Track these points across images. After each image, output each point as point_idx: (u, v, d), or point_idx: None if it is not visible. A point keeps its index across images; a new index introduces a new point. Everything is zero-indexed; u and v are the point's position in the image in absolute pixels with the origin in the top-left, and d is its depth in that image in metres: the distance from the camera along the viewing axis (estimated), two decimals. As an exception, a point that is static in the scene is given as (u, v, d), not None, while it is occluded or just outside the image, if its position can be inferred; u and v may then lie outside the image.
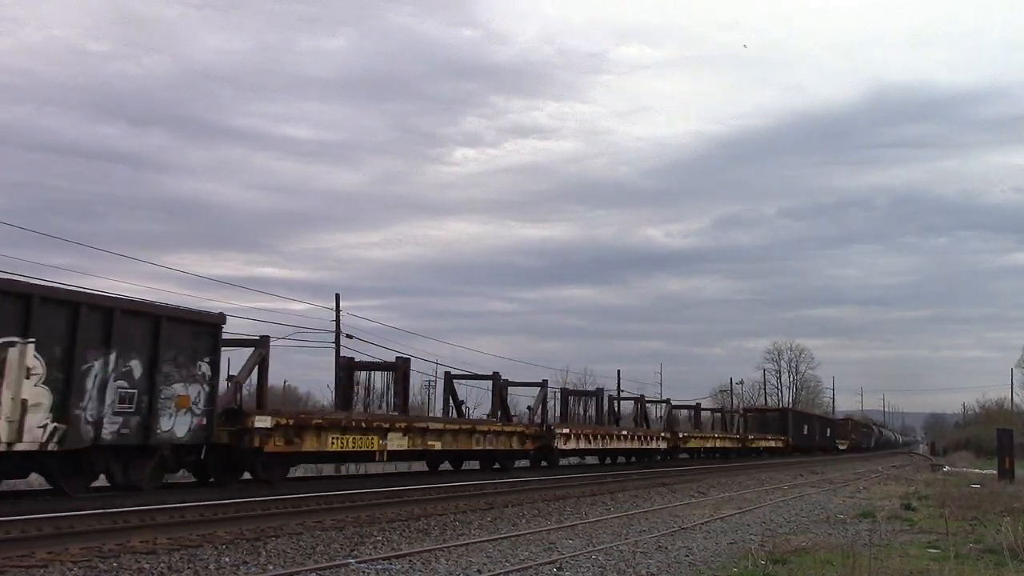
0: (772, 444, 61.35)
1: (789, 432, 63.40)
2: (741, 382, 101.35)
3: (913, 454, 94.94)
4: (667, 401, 48.12)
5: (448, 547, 11.88)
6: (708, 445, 49.35)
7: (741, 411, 66.55)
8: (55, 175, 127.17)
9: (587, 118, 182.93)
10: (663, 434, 42.12)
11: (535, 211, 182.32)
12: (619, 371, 65.62)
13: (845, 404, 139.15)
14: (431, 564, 10.52)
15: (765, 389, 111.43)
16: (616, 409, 43.83)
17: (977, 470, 42.13)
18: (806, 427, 69.55)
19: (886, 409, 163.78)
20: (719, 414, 58.18)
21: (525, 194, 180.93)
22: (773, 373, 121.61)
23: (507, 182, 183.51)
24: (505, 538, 12.99)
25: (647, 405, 44.51)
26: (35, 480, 21.36)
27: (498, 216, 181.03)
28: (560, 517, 16.43)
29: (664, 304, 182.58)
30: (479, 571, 10.13)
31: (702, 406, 54.35)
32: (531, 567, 10.45)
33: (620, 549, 12.17)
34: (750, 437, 56.24)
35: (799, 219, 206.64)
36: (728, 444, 52.65)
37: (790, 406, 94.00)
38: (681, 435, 44.19)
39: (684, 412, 51.15)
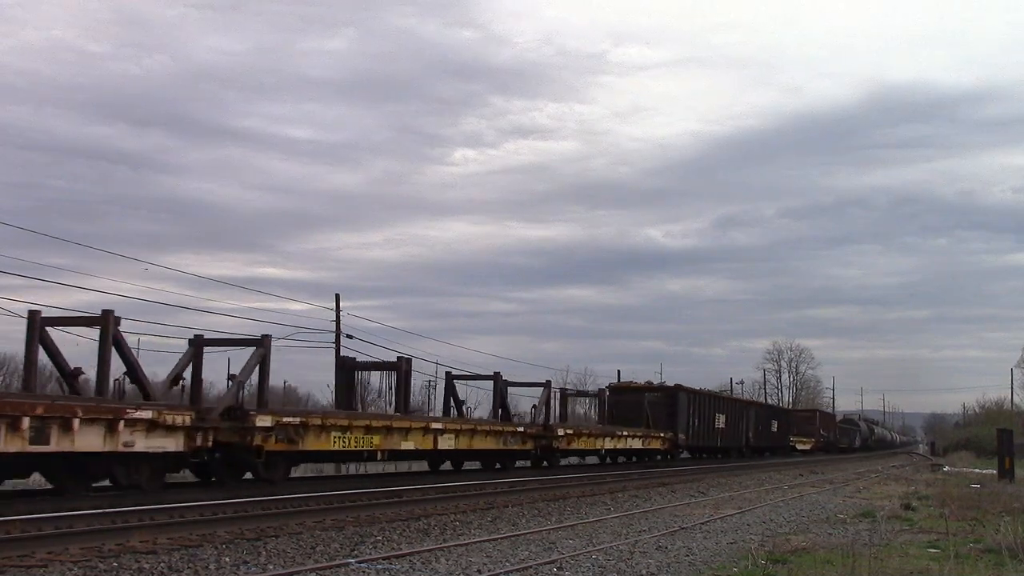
0: (636, 444, 36.43)
1: (680, 425, 40.35)
2: (741, 382, 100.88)
3: (913, 454, 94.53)
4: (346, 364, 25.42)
5: (448, 547, 11.88)
6: (401, 445, 22.06)
7: (588, 390, 44.10)
8: (55, 175, 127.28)
9: (587, 118, 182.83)
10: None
11: (535, 211, 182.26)
12: (619, 371, 65.45)
13: (846, 404, 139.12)
14: (431, 564, 10.53)
15: (765, 389, 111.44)
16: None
17: (977, 470, 42.13)
18: (721, 418, 46.33)
19: (886, 409, 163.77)
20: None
21: (525, 194, 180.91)
22: (773, 373, 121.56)
23: (507, 182, 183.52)
24: (505, 538, 12.99)
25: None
26: (35, 480, 21.37)
27: (498, 216, 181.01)
28: (560, 517, 16.43)
29: (664, 304, 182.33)
30: (479, 571, 10.13)
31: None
32: (531, 567, 10.45)
33: (620, 549, 12.18)
34: (564, 433, 30.14)
35: (799, 219, 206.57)
36: (490, 444, 26.36)
37: (684, 385, 50.56)
38: (278, 422, 18.14)
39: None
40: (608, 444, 34.38)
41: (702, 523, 15.99)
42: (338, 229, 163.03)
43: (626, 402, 39.81)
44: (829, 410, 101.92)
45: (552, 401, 32.45)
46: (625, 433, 35.85)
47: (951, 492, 23.73)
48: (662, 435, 39.33)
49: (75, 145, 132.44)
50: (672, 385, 42.95)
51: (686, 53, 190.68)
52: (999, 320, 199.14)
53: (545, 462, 30.47)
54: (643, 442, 37.61)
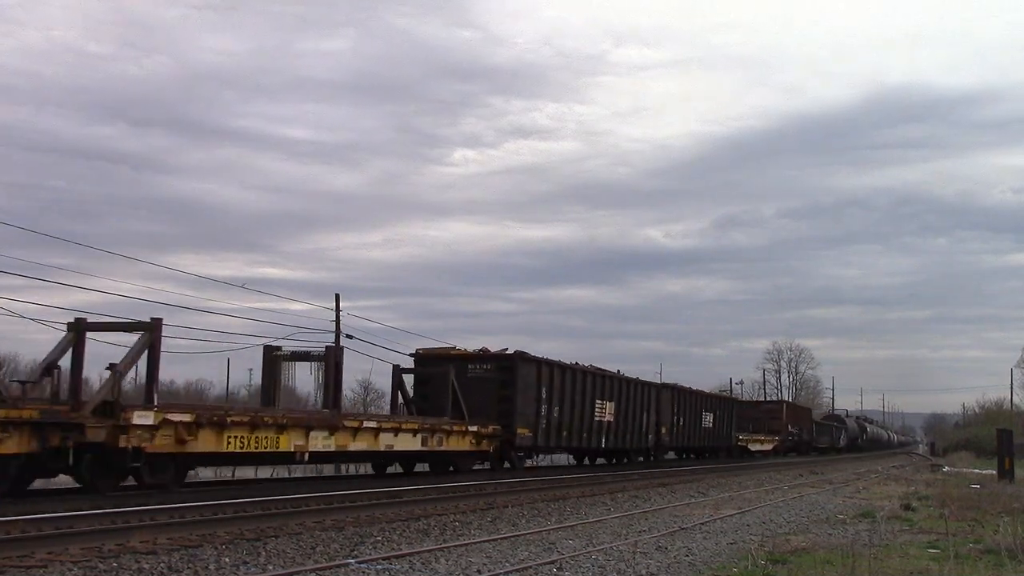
0: (403, 443, 22.29)
1: (521, 414, 26.73)
2: (741, 382, 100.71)
3: (912, 454, 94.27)
4: None
5: (448, 547, 11.88)
6: None
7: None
8: (55, 175, 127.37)
9: (586, 119, 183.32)
10: None
11: (535, 212, 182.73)
12: (618, 371, 65.07)
13: (846, 404, 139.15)
14: (431, 564, 10.52)
15: (765, 389, 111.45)
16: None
17: (977, 470, 42.11)
18: (607, 406, 32.32)
19: (886, 409, 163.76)
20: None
21: (525, 195, 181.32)
22: (773, 373, 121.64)
23: (507, 183, 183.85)
24: (505, 538, 12.99)
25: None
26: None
27: (498, 217, 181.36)
28: (560, 517, 16.43)
29: (664, 304, 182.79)
30: (479, 571, 10.13)
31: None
32: (531, 567, 10.45)
33: (620, 549, 12.17)
34: (158, 420, 15.98)
35: (799, 219, 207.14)
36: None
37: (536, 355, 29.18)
38: None
39: None
40: (318, 444, 19.48)
41: (702, 523, 15.99)
42: (338, 229, 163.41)
43: (439, 378, 26.03)
44: (809, 406, 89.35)
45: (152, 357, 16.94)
46: (370, 425, 21.01)
47: (951, 492, 23.71)
48: (477, 429, 24.88)
49: (75, 145, 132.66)
50: (510, 352, 27.32)
51: (686, 53, 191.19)
52: (999, 320, 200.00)
53: (137, 477, 16.51)
54: (426, 439, 22.72)
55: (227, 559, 10.36)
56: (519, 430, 26.81)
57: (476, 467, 26.98)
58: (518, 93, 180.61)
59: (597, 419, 31.86)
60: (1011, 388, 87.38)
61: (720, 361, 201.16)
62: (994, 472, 35.01)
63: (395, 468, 26.24)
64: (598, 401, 31.95)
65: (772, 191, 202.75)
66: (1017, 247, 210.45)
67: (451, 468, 25.94)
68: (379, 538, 12.68)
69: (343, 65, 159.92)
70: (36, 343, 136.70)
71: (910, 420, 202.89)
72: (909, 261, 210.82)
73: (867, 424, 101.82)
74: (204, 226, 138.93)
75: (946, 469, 44.66)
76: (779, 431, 58.63)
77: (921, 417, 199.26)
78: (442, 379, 25.84)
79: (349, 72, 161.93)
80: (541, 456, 32.96)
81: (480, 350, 28.26)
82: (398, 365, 26.53)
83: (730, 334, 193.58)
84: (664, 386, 40.29)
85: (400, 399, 26.30)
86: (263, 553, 10.94)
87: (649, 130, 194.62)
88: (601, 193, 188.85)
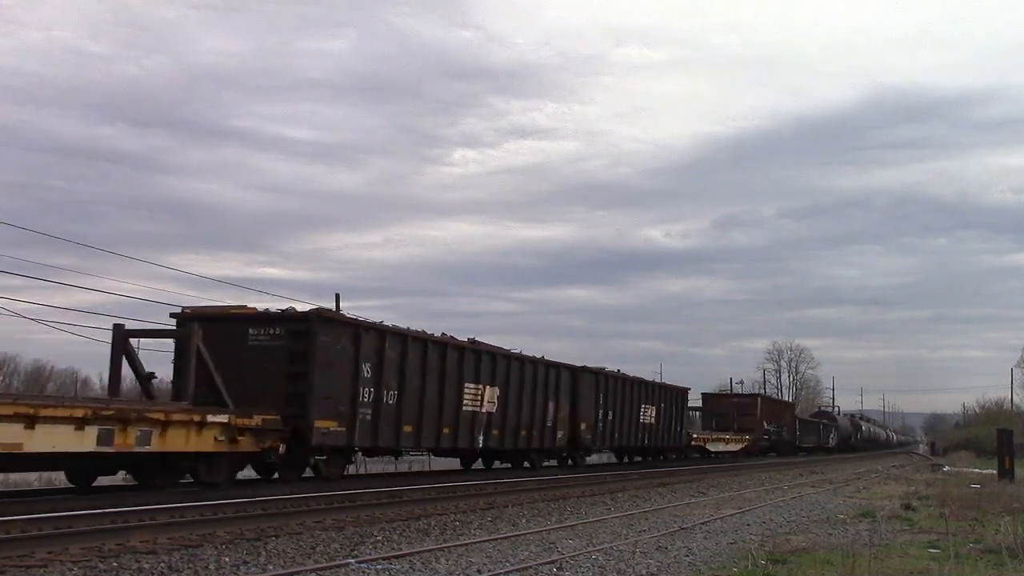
0: (44, 444, 12.64)
1: (320, 400, 17.92)
2: (741, 382, 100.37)
3: (913, 454, 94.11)
4: None
5: (448, 547, 11.88)
6: None
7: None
8: (55, 175, 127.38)
9: (586, 119, 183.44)
10: None
11: (535, 212, 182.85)
12: (618, 370, 64.84)
13: (846, 404, 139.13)
14: (431, 564, 10.52)
15: (765, 389, 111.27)
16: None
17: (977, 470, 42.11)
18: (479, 393, 23.63)
19: (886, 409, 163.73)
20: None
21: (525, 195, 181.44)
22: (773, 373, 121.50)
23: (507, 183, 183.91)
24: (505, 538, 12.99)
25: None
26: (34, 479, 21.39)
27: (498, 217, 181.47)
28: (560, 517, 16.43)
29: (664, 304, 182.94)
30: (479, 571, 10.13)
31: None
32: (531, 567, 10.45)
33: (620, 549, 12.17)
34: None
35: (799, 219, 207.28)
36: None
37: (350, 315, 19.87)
38: None
39: None
40: None
41: (702, 523, 15.99)
42: (338, 229, 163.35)
43: (230, 348, 17.99)
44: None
45: None
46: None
47: (951, 492, 23.71)
48: (228, 421, 16.24)
49: (75, 145, 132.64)
50: (308, 312, 18.55)
51: (686, 53, 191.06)
52: (999, 320, 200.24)
53: None
54: (110, 435, 13.87)
55: (227, 559, 10.36)
56: (319, 422, 18.15)
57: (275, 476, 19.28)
58: (518, 93, 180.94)
59: (468, 410, 23.45)
60: (1011, 388, 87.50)
61: (720, 361, 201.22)
62: (994, 472, 35.01)
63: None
64: (469, 385, 23.46)
65: (772, 191, 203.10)
66: (1017, 247, 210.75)
67: (188, 476, 16.69)
68: (379, 538, 12.68)
69: (343, 65, 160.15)
70: (36, 343, 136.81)
71: (910, 420, 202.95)
72: (909, 261, 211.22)
73: (862, 422, 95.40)
74: (203, 226, 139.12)
75: (946, 469, 44.65)
76: (752, 428, 49.91)
77: (921, 417, 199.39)
78: (233, 352, 17.89)
79: (349, 72, 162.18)
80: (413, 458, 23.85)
81: (283, 311, 18.97)
82: (121, 325, 17.57)
83: (730, 334, 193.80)
84: (583, 370, 30.98)
85: (134, 376, 18.11)
86: (263, 553, 10.93)
87: (649, 130, 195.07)
88: (601, 193, 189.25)
